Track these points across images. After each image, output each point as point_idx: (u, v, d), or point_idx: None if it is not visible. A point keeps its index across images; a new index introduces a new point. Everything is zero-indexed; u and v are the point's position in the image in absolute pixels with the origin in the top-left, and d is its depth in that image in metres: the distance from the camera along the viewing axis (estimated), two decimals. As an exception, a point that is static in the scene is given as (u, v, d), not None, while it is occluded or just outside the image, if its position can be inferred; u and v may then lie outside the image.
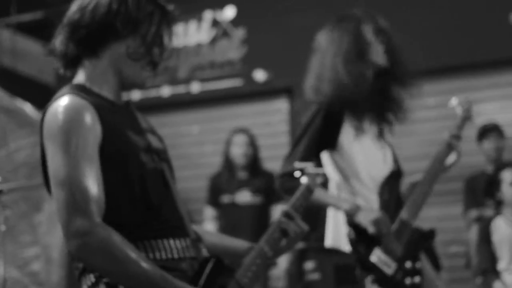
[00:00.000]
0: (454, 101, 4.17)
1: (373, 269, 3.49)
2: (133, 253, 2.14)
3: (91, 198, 2.16)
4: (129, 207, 2.27)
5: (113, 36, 2.39)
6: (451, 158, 3.91)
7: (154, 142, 2.46)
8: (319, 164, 3.64)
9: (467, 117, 4.06)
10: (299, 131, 3.73)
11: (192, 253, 2.35)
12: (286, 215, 2.55)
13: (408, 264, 3.57)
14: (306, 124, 3.70)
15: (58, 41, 2.45)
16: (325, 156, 3.75)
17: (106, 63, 2.42)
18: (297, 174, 2.75)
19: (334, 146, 3.69)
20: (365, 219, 3.50)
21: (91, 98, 2.32)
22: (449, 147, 3.86)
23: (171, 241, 2.30)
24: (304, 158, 3.56)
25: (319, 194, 3.54)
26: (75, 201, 2.15)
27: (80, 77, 2.44)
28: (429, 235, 3.76)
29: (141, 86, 2.51)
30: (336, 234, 3.75)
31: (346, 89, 3.65)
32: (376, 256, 3.50)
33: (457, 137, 3.90)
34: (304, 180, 2.73)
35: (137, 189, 2.28)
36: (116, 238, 2.15)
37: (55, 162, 2.22)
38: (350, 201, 3.63)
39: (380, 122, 3.85)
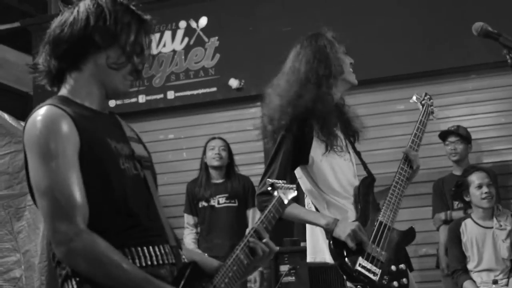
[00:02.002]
0: (415, 97, 4.25)
1: (359, 278, 3.50)
2: (117, 257, 2.19)
3: (74, 204, 2.20)
4: (109, 214, 2.29)
5: (93, 49, 2.43)
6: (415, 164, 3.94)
7: (138, 150, 2.50)
8: (292, 181, 3.65)
9: (429, 112, 4.16)
10: (272, 151, 3.73)
11: (172, 260, 2.40)
12: (255, 233, 2.54)
13: (393, 268, 3.59)
14: (279, 144, 3.69)
15: (41, 58, 2.50)
16: (299, 171, 3.78)
17: (88, 75, 2.45)
18: (269, 189, 2.76)
19: (306, 162, 3.71)
20: (343, 233, 3.50)
21: (71, 108, 2.34)
22: (409, 155, 3.90)
23: (151, 248, 2.33)
24: (280, 176, 3.57)
25: (297, 211, 3.59)
26: (59, 208, 2.21)
27: (63, 90, 2.48)
28: (410, 233, 3.80)
29: (124, 95, 2.55)
30: (314, 250, 3.79)
31: (316, 109, 3.69)
32: (360, 265, 3.50)
33: (415, 145, 3.96)
34: (275, 194, 2.73)
35: (117, 196, 2.31)
36: (101, 243, 2.19)
37: (36, 172, 2.26)
38: (327, 216, 3.64)
39: (346, 134, 3.90)
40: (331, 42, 3.85)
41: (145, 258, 2.31)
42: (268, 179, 2.87)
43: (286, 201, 2.73)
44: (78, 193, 2.23)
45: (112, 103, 7.91)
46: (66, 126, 2.28)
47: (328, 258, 3.69)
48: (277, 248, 2.59)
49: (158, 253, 2.35)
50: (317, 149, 3.72)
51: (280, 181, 2.80)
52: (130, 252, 2.29)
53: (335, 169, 3.75)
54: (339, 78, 3.81)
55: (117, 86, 2.49)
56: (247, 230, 5.99)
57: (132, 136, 2.55)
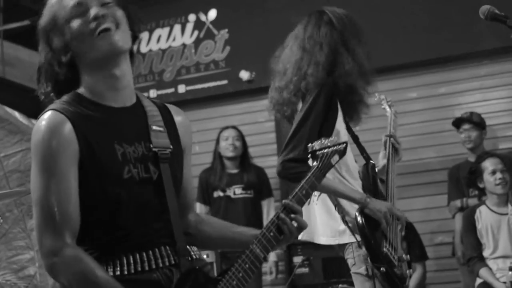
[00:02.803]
0: (377, 98, 4.20)
1: (384, 260, 3.44)
2: (101, 274, 2.16)
3: (63, 219, 2.18)
4: (100, 224, 2.26)
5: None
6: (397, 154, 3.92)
7: (157, 142, 2.39)
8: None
9: (395, 115, 4.13)
10: (300, 115, 3.60)
11: (172, 261, 2.31)
12: (286, 209, 2.39)
13: (405, 257, 3.58)
14: (308, 109, 3.57)
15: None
16: None
17: (85, 67, 2.38)
18: (308, 156, 2.56)
19: (330, 134, 3.56)
20: (377, 211, 3.45)
21: (79, 109, 2.30)
22: (390, 145, 3.88)
23: (143, 254, 2.27)
24: (309, 143, 3.53)
25: (328, 181, 3.45)
26: (47, 221, 2.19)
27: (81, 86, 2.40)
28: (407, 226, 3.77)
29: (116, 48, 2.33)
30: (336, 232, 3.65)
31: (338, 78, 3.63)
32: (386, 247, 3.46)
33: (393, 135, 3.92)
34: (314, 164, 2.50)
35: (110, 208, 2.25)
36: (83, 259, 2.17)
37: (32, 181, 2.25)
38: (359, 191, 3.57)
39: (350, 115, 3.82)
40: (347, 21, 3.83)
41: (135, 264, 2.25)
42: (309, 145, 2.60)
43: (326, 170, 2.51)
44: (69, 206, 2.20)
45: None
46: (66, 134, 2.23)
47: (321, 239, 3.65)
48: (307, 224, 2.43)
49: (151, 257, 2.28)
50: (341, 122, 3.67)
51: (327, 142, 2.56)
52: (120, 259, 2.24)
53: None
54: (352, 58, 3.72)
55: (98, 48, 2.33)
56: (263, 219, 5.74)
57: (156, 125, 2.43)
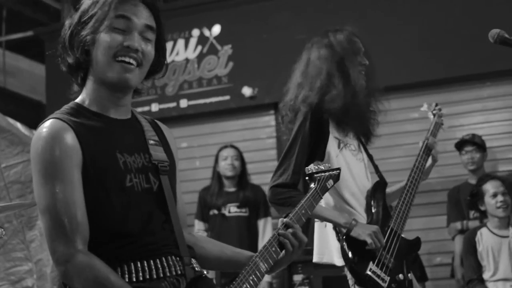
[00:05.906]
0: (425, 106, 4.22)
1: (369, 283, 3.45)
2: (112, 279, 2.15)
3: (72, 225, 2.18)
4: (106, 232, 2.25)
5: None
6: (428, 163, 3.92)
7: (156, 154, 2.42)
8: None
9: (438, 123, 4.12)
10: (288, 141, 3.69)
11: (178, 271, 2.32)
12: (286, 226, 2.45)
13: (401, 276, 3.55)
14: (295, 134, 3.65)
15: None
16: None
17: (92, 73, 2.39)
18: (306, 178, 2.66)
19: (322, 157, 3.64)
20: (363, 233, 3.46)
21: (80, 119, 2.31)
22: (426, 153, 3.89)
23: (151, 262, 2.27)
24: (297, 169, 3.57)
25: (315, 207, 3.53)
26: (57, 228, 2.18)
27: (81, 95, 2.42)
28: (416, 243, 3.76)
29: (124, 84, 2.36)
30: (322, 249, 3.73)
31: (329, 101, 3.67)
32: (371, 270, 3.46)
33: (432, 142, 3.93)
34: (312, 186, 2.61)
35: (116, 216, 2.26)
36: (96, 264, 2.17)
37: (37, 190, 2.25)
38: (346, 215, 3.59)
39: (360, 135, 3.88)
40: (346, 42, 3.84)
41: (143, 272, 2.24)
42: (307, 168, 2.72)
43: (323, 192, 2.64)
44: (77, 212, 2.20)
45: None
46: (69, 141, 2.23)
47: (336, 261, 3.65)
48: (306, 239, 2.49)
49: (159, 265, 2.28)
50: (333, 145, 3.69)
51: (322, 166, 2.68)
52: (128, 266, 2.24)
53: (350, 167, 3.71)
54: (347, 79, 3.75)
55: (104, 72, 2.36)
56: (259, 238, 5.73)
57: (153, 140, 2.47)
